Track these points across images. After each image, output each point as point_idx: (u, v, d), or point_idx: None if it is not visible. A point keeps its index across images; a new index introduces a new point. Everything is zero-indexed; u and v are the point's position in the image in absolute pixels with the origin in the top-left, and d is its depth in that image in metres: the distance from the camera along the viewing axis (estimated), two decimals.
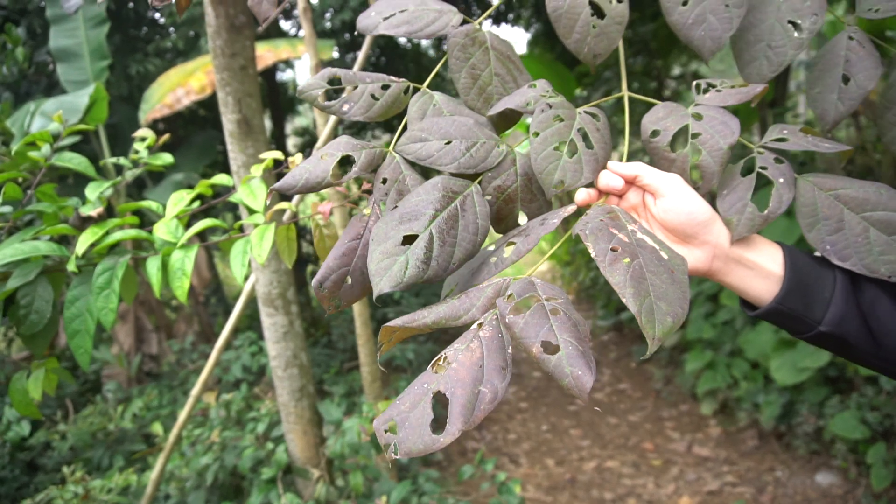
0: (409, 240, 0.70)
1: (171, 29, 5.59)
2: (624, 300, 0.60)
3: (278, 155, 1.45)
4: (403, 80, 0.88)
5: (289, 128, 7.53)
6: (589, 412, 4.56)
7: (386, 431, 0.55)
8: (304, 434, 2.06)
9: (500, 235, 0.79)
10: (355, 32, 5.73)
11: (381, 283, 0.68)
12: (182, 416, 1.92)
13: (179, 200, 1.28)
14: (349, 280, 0.76)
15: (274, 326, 2.10)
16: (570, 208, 0.75)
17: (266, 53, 4.47)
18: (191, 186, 4.44)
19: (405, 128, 0.84)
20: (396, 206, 0.75)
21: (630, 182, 0.78)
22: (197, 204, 1.33)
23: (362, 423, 1.87)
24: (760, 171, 0.76)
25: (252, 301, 2.13)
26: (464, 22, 0.89)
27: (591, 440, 4.14)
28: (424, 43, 6.37)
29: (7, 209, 1.32)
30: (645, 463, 3.78)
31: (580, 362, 0.55)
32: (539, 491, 3.58)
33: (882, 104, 0.91)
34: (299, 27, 6.09)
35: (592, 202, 0.77)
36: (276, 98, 6.20)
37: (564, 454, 3.99)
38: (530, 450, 4.07)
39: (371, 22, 0.90)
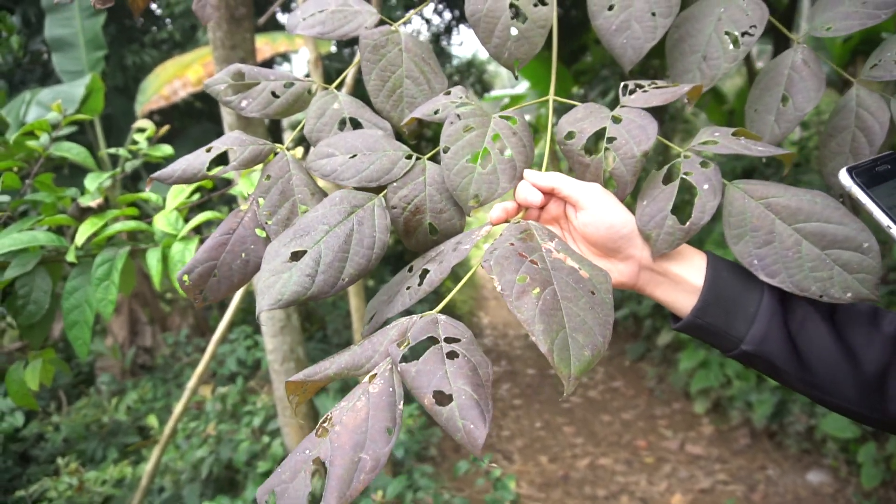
0: (297, 256, 0.68)
1: (168, 20, 5.56)
2: (534, 338, 0.56)
3: (279, 148, 1.44)
4: (310, 79, 0.86)
5: (285, 121, 7.51)
6: (583, 410, 4.58)
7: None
8: (300, 428, 2.06)
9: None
10: None
11: (262, 302, 0.66)
12: (178, 408, 1.92)
13: (179, 192, 1.27)
14: (217, 274, 0.74)
15: (271, 320, 2.10)
16: (485, 229, 0.71)
17: (264, 46, 4.45)
18: None
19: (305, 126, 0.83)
20: (288, 225, 0.72)
21: (549, 194, 0.74)
22: (197, 196, 1.32)
23: None
24: (684, 176, 0.70)
25: (248, 294, 2.13)
26: (381, 23, 0.87)
27: (584, 437, 4.16)
28: (424, 36, 6.36)
29: (5, 199, 1.31)
30: (638, 460, 3.80)
31: (473, 413, 0.51)
32: (532, 488, 3.60)
33: (827, 132, 0.86)
34: None
35: (511, 217, 0.73)
36: None
37: (558, 451, 4.01)
38: (524, 447, 4.09)
39: (293, 21, 0.89)
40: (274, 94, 0.83)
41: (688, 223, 0.68)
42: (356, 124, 0.83)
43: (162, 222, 1.22)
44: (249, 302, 3.49)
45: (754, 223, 0.69)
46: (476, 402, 0.52)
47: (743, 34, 0.80)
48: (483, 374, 0.55)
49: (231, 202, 5.53)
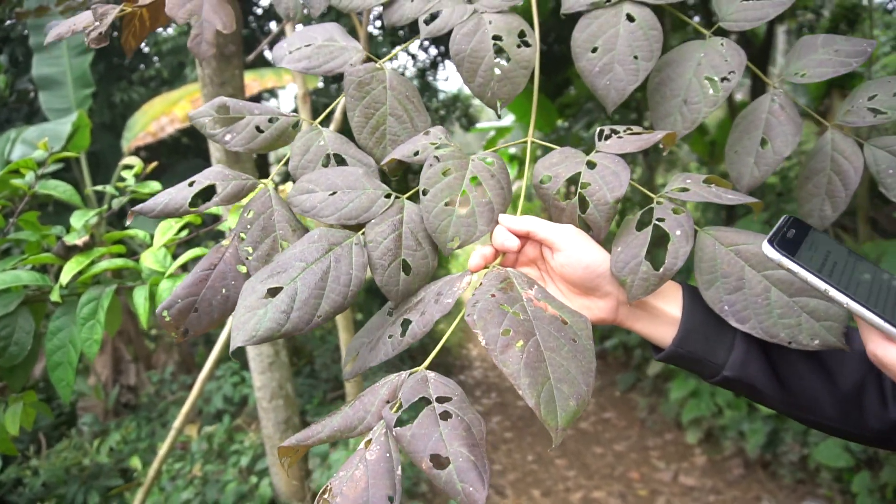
0: (273, 293, 0.68)
1: (156, 58, 5.60)
2: (520, 392, 0.57)
3: (262, 183, 1.44)
4: (294, 114, 0.87)
5: (272, 156, 7.54)
6: (575, 442, 4.53)
7: None
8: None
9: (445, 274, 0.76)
10: None
11: (237, 337, 0.66)
12: (163, 449, 1.87)
13: (168, 229, 1.26)
14: (197, 309, 0.74)
15: (259, 357, 2.06)
16: (465, 280, 0.72)
17: (252, 83, 4.49)
18: None
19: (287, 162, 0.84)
20: (270, 261, 0.73)
21: (525, 237, 0.76)
22: (185, 233, 1.31)
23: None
24: (657, 223, 0.71)
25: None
26: (367, 59, 0.88)
27: (577, 470, 4.10)
28: (409, 72, 6.45)
29: None
30: (631, 493, 3.75)
31: (471, 475, 0.52)
32: None
33: (803, 174, 0.89)
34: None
35: (489, 263, 0.74)
36: None
37: (550, 485, 3.95)
38: (516, 480, 4.02)
39: (279, 54, 0.90)
40: (258, 129, 0.84)
41: (661, 269, 0.70)
42: (340, 160, 0.83)
43: (150, 259, 1.20)
44: None
45: (724, 269, 0.71)
46: (473, 463, 0.52)
47: (722, 79, 0.82)
48: (477, 433, 0.55)
49: (220, 238, 5.51)
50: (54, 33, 1.08)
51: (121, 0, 1.06)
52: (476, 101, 8.41)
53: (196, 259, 1.27)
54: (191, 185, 0.79)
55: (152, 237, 1.30)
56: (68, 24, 1.09)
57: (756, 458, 3.68)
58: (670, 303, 0.74)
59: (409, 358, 4.70)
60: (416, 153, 0.78)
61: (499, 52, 0.84)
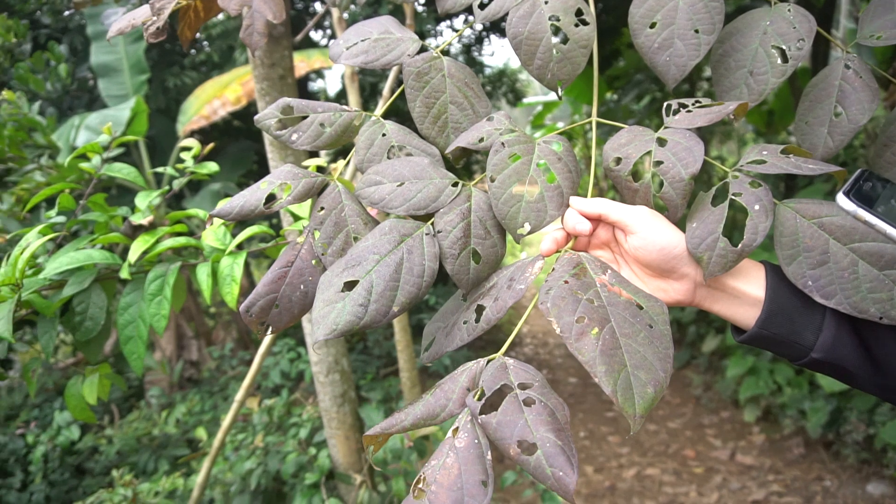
0: (350, 286, 0.69)
1: (206, 42, 5.71)
2: (596, 380, 0.56)
3: (321, 162, 1.46)
4: (356, 109, 0.87)
5: None
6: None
7: None
8: (346, 439, 2.07)
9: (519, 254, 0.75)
10: None
11: (318, 331, 0.68)
12: (226, 421, 1.94)
13: None
14: (278, 306, 0.76)
15: None
16: (538, 266, 0.70)
17: (299, 63, 4.53)
18: (228, 195, 4.51)
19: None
20: (344, 253, 0.74)
21: (597, 220, 0.74)
22: None
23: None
24: (734, 197, 0.69)
25: None
26: (423, 49, 0.88)
27: (629, 447, 4.07)
28: (454, 48, 6.39)
29: (61, 219, 1.35)
30: (686, 471, 3.71)
31: (560, 460, 0.52)
32: (578, 499, 3.54)
33: (881, 141, 0.84)
34: (331, 37, 6.17)
35: (561, 247, 0.73)
36: None
37: (603, 461, 3.93)
38: None
39: (336, 51, 0.90)
40: (322, 126, 0.85)
41: (740, 245, 0.68)
42: (404, 152, 0.84)
43: (210, 237, 1.24)
44: None
45: (807, 243, 0.68)
46: (561, 448, 0.53)
47: (791, 48, 0.79)
48: (562, 418, 0.56)
49: (271, 216, 5.64)
50: (115, 28, 1.11)
51: None
52: (523, 76, 8.29)
53: (253, 237, 1.30)
54: (263, 185, 0.81)
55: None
56: (127, 18, 1.12)
57: (818, 438, 3.58)
58: (751, 283, 0.71)
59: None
60: (481, 140, 0.78)
61: (556, 31, 0.82)
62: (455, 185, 0.77)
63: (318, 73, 6.76)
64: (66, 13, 5.14)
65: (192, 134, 4.98)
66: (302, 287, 0.77)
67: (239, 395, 1.93)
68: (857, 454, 3.37)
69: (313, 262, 0.78)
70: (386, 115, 0.89)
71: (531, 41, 0.82)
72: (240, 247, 1.29)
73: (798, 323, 0.69)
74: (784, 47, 0.79)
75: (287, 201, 0.79)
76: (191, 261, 1.28)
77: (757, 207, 0.68)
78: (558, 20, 0.81)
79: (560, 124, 9.08)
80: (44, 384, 3.46)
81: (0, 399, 3.44)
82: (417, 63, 0.85)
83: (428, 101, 0.85)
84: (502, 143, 0.75)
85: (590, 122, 0.87)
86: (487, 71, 7.30)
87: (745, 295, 0.71)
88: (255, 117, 0.86)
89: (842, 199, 0.65)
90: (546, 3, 0.82)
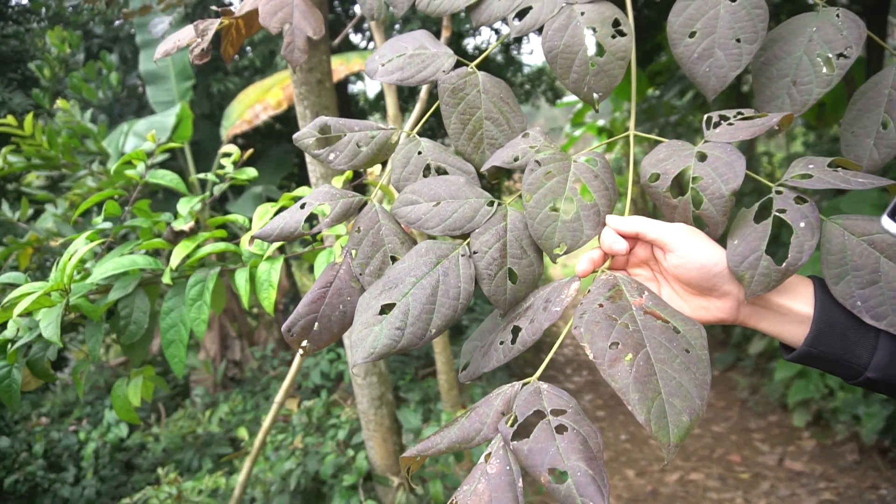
0: (387, 309, 0.70)
1: (249, 48, 5.84)
2: (630, 408, 0.55)
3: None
4: (393, 126, 0.87)
5: None
6: None
7: None
8: (383, 441, 2.08)
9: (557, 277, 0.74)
10: None
11: (356, 355, 0.69)
12: (267, 421, 1.98)
13: (264, 214, 1.31)
14: (318, 326, 0.78)
15: None
16: (574, 287, 0.69)
17: (339, 67, 4.58)
18: (269, 198, 4.60)
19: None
20: (382, 275, 0.75)
21: (634, 238, 0.72)
22: None
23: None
24: (778, 214, 0.66)
25: None
26: (458, 64, 0.87)
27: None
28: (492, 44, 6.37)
29: (107, 225, 1.40)
30: (732, 476, 3.61)
31: (591, 489, 0.51)
32: (619, 503, 3.48)
33: None
34: (369, 40, 6.22)
35: (598, 267, 0.72)
36: (348, 110, 6.35)
37: (645, 465, 3.86)
38: (609, 460, 3.97)
39: (372, 67, 0.91)
40: (359, 146, 0.85)
41: (784, 264, 0.65)
42: (440, 170, 0.84)
43: (249, 243, 1.26)
44: None
45: (856, 262, 0.66)
46: (592, 477, 0.52)
47: (838, 56, 0.75)
48: (594, 446, 0.55)
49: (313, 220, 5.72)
50: (162, 50, 1.15)
51: (218, 14, 1.11)
52: None
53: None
54: (302, 207, 0.82)
55: (251, 221, 1.36)
56: (173, 40, 1.15)
57: (872, 444, 3.43)
58: (799, 299, 0.69)
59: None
60: (516, 159, 0.77)
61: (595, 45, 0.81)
62: (490, 204, 0.77)
63: (358, 76, 6.84)
64: (117, 23, 5.32)
65: (235, 138, 5.09)
66: (341, 307, 0.79)
67: (278, 397, 1.97)
68: None
69: (352, 282, 0.80)
70: (419, 128, 0.90)
71: (567, 54, 0.80)
72: (281, 250, 1.31)
73: (851, 340, 0.66)
74: (830, 55, 0.75)
75: (326, 223, 0.80)
76: (230, 266, 1.31)
77: (802, 225, 0.65)
78: (594, 31, 0.80)
79: (601, 122, 8.95)
80: (95, 382, 3.59)
81: (55, 396, 3.59)
82: (452, 79, 0.85)
83: (463, 117, 0.85)
84: (537, 162, 0.75)
85: (630, 136, 0.85)
86: (526, 70, 7.26)
87: (793, 312, 0.69)
88: (294, 136, 0.88)
89: (887, 222, 0.62)
90: (582, 14, 0.81)
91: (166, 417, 3.69)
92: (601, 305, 0.64)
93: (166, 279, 1.22)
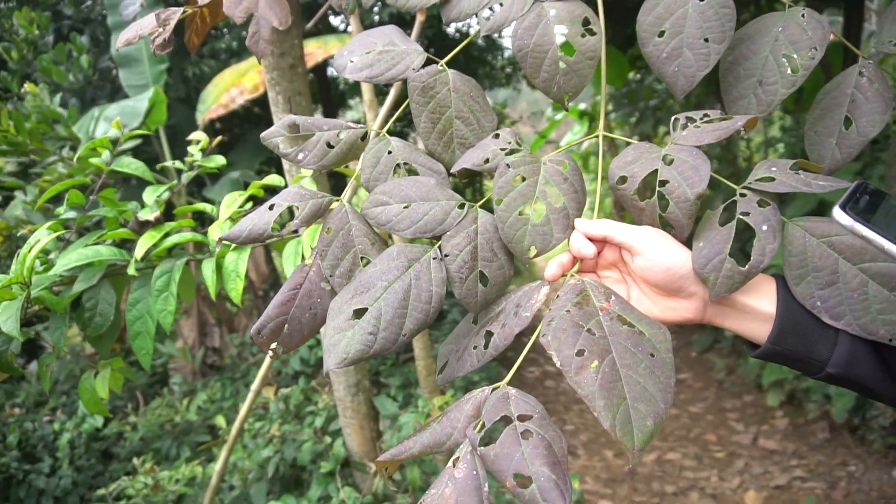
0: (360, 313, 0.70)
1: (225, 30, 5.73)
2: (595, 414, 0.57)
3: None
4: (362, 125, 0.86)
5: None
6: None
7: None
8: (360, 428, 2.08)
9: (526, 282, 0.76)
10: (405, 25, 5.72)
11: (329, 360, 0.69)
12: (243, 410, 1.97)
13: (232, 202, 1.29)
14: (287, 328, 0.77)
15: None
16: (543, 292, 0.70)
17: (316, 50, 4.52)
18: (247, 184, 4.54)
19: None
20: (354, 278, 0.75)
21: (602, 242, 0.73)
22: (250, 205, 1.35)
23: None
24: (741, 217, 0.68)
25: None
26: (429, 62, 0.86)
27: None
28: (473, 30, 6.32)
29: (71, 214, 1.37)
30: (708, 455, 3.68)
31: (553, 494, 0.53)
32: (598, 483, 3.53)
33: (893, 152, 0.81)
34: (349, 22, 6.14)
35: (567, 271, 0.73)
36: (328, 93, 6.27)
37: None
38: (588, 441, 4.02)
39: (341, 63, 0.89)
40: (329, 146, 0.85)
41: (747, 266, 0.67)
42: (410, 170, 0.84)
43: (216, 233, 1.24)
44: None
45: (816, 263, 0.67)
46: (555, 482, 0.53)
47: (802, 57, 0.76)
48: (558, 451, 0.56)
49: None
50: (123, 39, 1.12)
51: (181, 3, 1.09)
52: None
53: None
54: (271, 208, 0.81)
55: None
56: (134, 29, 1.12)
57: (843, 422, 3.51)
58: (762, 298, 0.70)
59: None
60: (487, 160, 0.77)
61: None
62: (461, 206, 0.77)
63: None
64: (87, 4, 5.19)
65: (212, 122, 5.01)
66: (311, 309, 0.79)
67: (254, 385, 1.96)
68: (883, 439, 3.30)
69: (322, 283, 0.79)
70: (391, 124, 0.89)
71: (537, 54, 0.80)
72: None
73: (812, 338, 0.68)
74: (795, 56, 0.76)
75: (295, 225, 0.80)
76: (197, 256, 1.29)
77: (765, 228, 0.66)
78: (564, 31, 0.79)
79: (582, 105, 8.95)
80: (71, 371, 3.55)
81: (30, 386, 3.54)
82: (423, 77, 0.84)
83: (433, 115, 0.84)
84: (507, 165, 0.75)
85: (599, 137, 0.84)
86: (507, 52, 7.21)
87: (757, 311, 0.70)
88: (262, 135, 0.86)
89: (838, 213, 0.63)
90: (552, 12, 0.80)
91: (144, 406, 3.66)
92: (568, 311, 0.65)
93: (131, 270, 1.21)
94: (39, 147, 2.77)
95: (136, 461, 2.39)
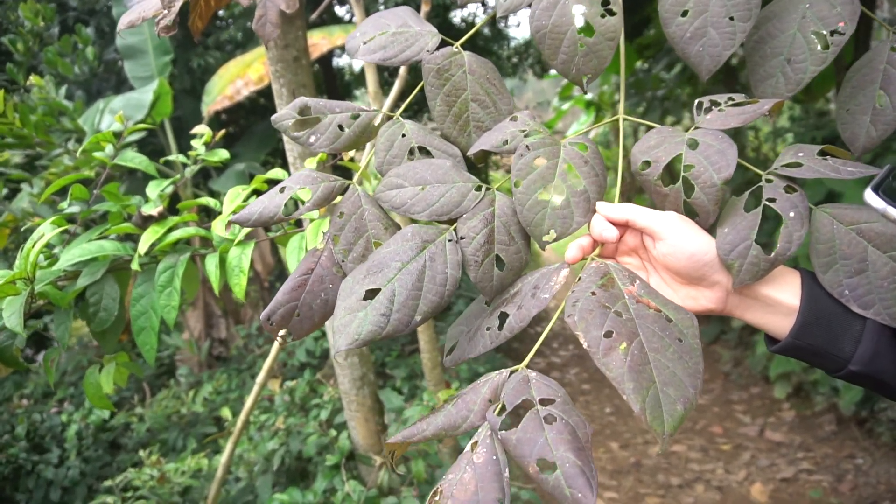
0: (372, 294, 0.68)
1: (230, 21, 5.71)
2: (624, 397, 0.55)
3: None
4: (375, 108, 0.85)
5: None
6: None
7: None
8: (365, 421, 2.09)
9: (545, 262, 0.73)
10: None
11: (339, 341, 0.67)
12: (248, 403, 1.98)
13: (235, 197, 1.29)
14: (298, 314, 0.76)
15: None
16: (563, 274, 0.68)
17: (321, 41, 4.50)
18: (252, 176, 4.53)
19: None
20: (364, 260, 0.73)
21: (624, 226, 0.71)
22: (254, 199, 1.34)
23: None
24: (767, 203, 0.66)
25: None
26: (443, 43, 0.84)
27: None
28: (479, 20, 6.28)
29: (75, 209, 1.37)
30: (714, 447, 3.67)
31: (579, 481, 0.51)
32: (603, 475, 3.53)
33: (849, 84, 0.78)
34: (353, 13, 6.11)
35: (587, 254, 0.71)
36: (333, 84, 6.25)
37: (629, 437, 3.92)
38: (594, 433, 4.02)
39: (353, 45, 0.87)
40: (340, 128, 0.83)
41: (773, 254, 0.65)
42: (425, 153, 0.82)
43: (219, 227, 1.24)
44: None
45: (844, 251, 0.66)
46: (580, 469, 0.52)
47: (832, 32, 0.73)
48: (583, 436, 0.55)
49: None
50: (126, 21, 1.11)
51: None
52: None
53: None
54: (282, 190, 0.79)
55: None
56: (137, 11, 1.11)
57: (850, 415, 3.49)
58: (786, 291, 0.68)
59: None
60: (506, 142, 0.75)
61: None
62: (478, 189, 0.75)
63: (343, 50, 6.72)
64: None
65: (217, 114, 5.00)
66: (322, 295, 0.77)
67: (259, 378, 1.96)
68: (891, 432, 3.29)
69: (334, 269, 0.78)
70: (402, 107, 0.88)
71: (555, 35, 0.78)
72: (267, 230, 1.29)
73: (835, 333, 0.66)
74: (824, 32, 0.74)
75: (307, 207, 0.78)
76: (201, 251, 1.29)
77: (792, 214, 0.65)
78: (583, 11, 0.78)
79: (589, 95, 8.89)
80: (79, 362, 3.57)
81: (38, 377, 3.57)
82: (437, 59, 0.82)
83: (449, 98, 0.82)
84: (527, 147, 0.73)
85: (619, 121, 0.82)
86: (514, 43, 7.17)
87: (780, 303, 0.68)
88: (272, 118, 0.85)
89: (870, 196, 0.62)
90: None
91: (151, 397, 3.68)
92: (594, 293, 0.63)
93: (135, 265, 1.20)
94: (45, 140, 2.77)
95: (142, 453, 2.41)
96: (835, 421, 3.60)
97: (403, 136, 0.82)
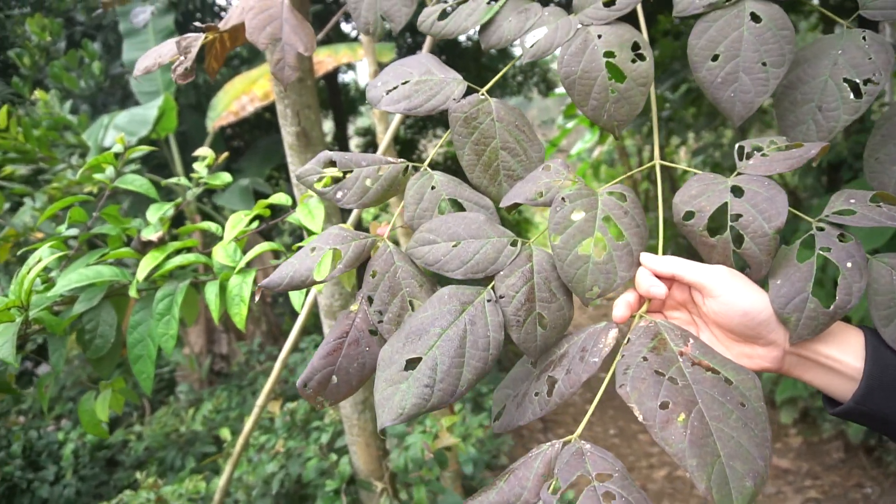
0: (413, 363, 0.65)
1: None
2: (688, 474, 0.52)
3: (336, 173, 1.42)
4: (402, 160, 0.82)
5: (351, 129, 7.63)
6: None
7: None
8: (366, 446, 2.05)
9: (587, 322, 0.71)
10: (416, 34, 5.71)
11: (384, 417, 0.64)
12: (248, 426, 1.94)
13: (238, 222, 1.26)
14: (335, 379, 0.73)
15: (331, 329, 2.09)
16: (612, 336, 0.65)
17: (326, 59, 4.51)
18: (257, 191, 4.53)
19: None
20: (403, 324, 0.70)
21: (670, 280, 0.68)
22: (255, 225, 1.32)
23: (425, 440, 1.84)
24: (822, 253, 0.64)
25: (316, 305, 2.14)
26: (469, 91, 0.82)
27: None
28: None
29: (73, 232, 1.34)
30: None
31: None
32: None
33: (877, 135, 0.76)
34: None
35: (634, 311, 0.68)
36: (338, 100, 6.27)
37: (633, 461, 3.86)
38: None
39: (376, 94, 0.85)
40: (368, 183, 0.80)
41: (832, 307, 0.62)
42: (456, 206, 0.80)
43: (220, 254, 1.21)
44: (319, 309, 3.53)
45: None
46: None
47: (865, 81, 0.71)
48: None
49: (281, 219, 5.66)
50: (142, 67, 1.09)
51: (202, 29, 1.06)
52: (554, 66, 8.14)
53: (264, 254, 1.27)
54: (312, 251, 0.77)
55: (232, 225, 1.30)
56: (153, 55, 1.10)
57: (859, 443, 3.44)
58: (847, 351, 0.65)
59: None
60: (541, 194, 0.73)
61: (610, 68, 0.76)
62: (514, 243, 0.72)
63: (350, 66, 6.74)
64: (99, 11, 5.20)
65: (222, 129, 5.01)
66: (359, 359, 0.75)
67: (260, 400, 1.93)
68: None
69: (369, 330, 0.75)
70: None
71: (585, 81, 0.76)
72: (249, 265, 1.26)
73: None
74: (857, 80, 0.71)
75: (339, 270, 0.75)
76: (201, 278, 1.26)
77: (849, 265, 0.62)
78: (613, 56, 0.76)
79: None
80: (77, 378, 3.54)
81: (36, 393, 3.53)
82: (464, 107, 0.80)
83: (478, 147, 0.80)
84: (563, 199, 0.70)
85: (656, 166, 0.80)
86: (519, 62, 7.19)
87: (841, 364, 0.65)
88: (297, 173, 0.82)
89: None
90: (599, 37, 0.76)
91: (150, 414, 3.64)
92: (645, 358, 0.60)
93: (132, 292, 1.18)
94: (48, 155, 2.76)
95: (138, 475, 2.37)
96: (843, 448, 3.54)
97: (433, 188, 0.80)
